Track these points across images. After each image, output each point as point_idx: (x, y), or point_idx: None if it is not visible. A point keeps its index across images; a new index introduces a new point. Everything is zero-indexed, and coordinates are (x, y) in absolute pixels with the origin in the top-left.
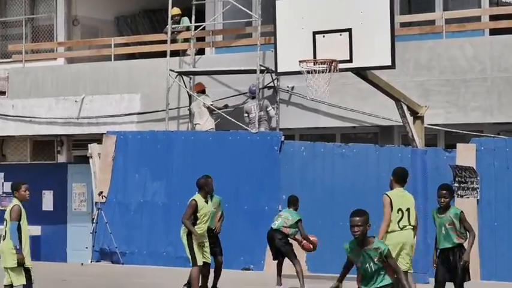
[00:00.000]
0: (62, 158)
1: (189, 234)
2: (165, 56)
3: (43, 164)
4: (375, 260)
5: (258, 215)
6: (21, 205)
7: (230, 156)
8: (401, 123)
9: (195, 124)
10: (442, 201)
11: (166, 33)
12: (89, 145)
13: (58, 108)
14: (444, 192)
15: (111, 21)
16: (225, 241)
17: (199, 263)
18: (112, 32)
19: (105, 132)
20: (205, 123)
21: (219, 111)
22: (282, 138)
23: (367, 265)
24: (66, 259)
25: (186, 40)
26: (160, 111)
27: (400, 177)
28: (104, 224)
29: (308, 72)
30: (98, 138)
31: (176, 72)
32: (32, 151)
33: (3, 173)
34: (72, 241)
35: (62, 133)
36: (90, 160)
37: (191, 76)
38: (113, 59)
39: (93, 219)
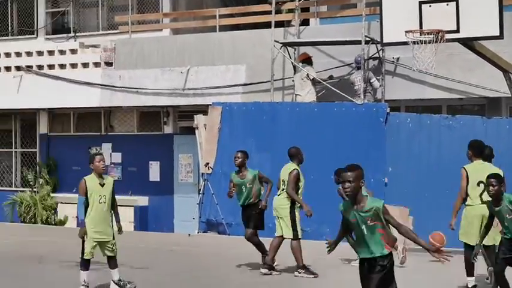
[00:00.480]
0: (168, 129)
1: (292, 207)
2: (270, 27)
3: (149, 135)
4: (368, 222)
5: None
6: (93, 178)
7: (335, 127)
8: (510, 95)
9: (296, 95)
10: (491, 189)
11: (270, 3)
12: (194, 116)
13: (164, 79)
14: (492, 180)
15: None
16: (330, 213)
17: (300, 236)
18: (217, 2)
19: (211, 103)
20: (307, 95)
21: (324, 82)
22: (388, 110)
23: (360, 228)
24: (173, 229)
25: (291, 11)
26: (265, 82)
27: (476, 150)
28: (210, 195)
29: (414, 42)
30: (203, 109)
31: (281, 43)
32: (139, 122)
33: (111, 144)
34: (179, 212)
35: (168, 104)
36: (196, 131)
37: (296, 47)
38: (217, 30)
39: (200, 190)
